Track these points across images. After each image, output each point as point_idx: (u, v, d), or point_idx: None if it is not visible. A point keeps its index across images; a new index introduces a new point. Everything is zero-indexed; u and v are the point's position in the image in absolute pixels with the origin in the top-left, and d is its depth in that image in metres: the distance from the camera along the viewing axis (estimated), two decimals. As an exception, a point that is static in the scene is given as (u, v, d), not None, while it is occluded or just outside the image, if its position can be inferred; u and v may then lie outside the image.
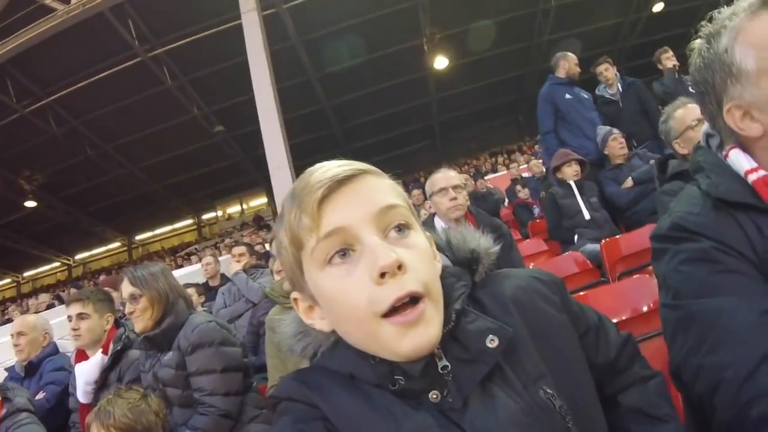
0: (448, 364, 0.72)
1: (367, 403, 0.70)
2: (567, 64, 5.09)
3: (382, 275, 0.66)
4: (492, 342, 0.72)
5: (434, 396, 0.70)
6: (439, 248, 0.86)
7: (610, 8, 17.49)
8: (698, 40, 1.03)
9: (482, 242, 0.87)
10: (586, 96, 5.11)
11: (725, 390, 0.83)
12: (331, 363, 0.76)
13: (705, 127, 1.13)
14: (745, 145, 0.99)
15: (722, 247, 0.91)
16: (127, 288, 2.35)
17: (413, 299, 0.67)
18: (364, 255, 0.68)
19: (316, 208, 0.69)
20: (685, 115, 2.51)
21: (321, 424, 0.70)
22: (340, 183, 0.70)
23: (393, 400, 0.70)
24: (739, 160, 0.99)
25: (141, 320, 2.34)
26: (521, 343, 0.76)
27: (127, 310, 2.34)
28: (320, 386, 0.73)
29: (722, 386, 0.83)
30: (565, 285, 0.90)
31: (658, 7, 17.67)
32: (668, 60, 5.54)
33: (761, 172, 0.95)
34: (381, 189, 0.74)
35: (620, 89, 5.37)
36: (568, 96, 4.95)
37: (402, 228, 0.72)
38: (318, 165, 0.75)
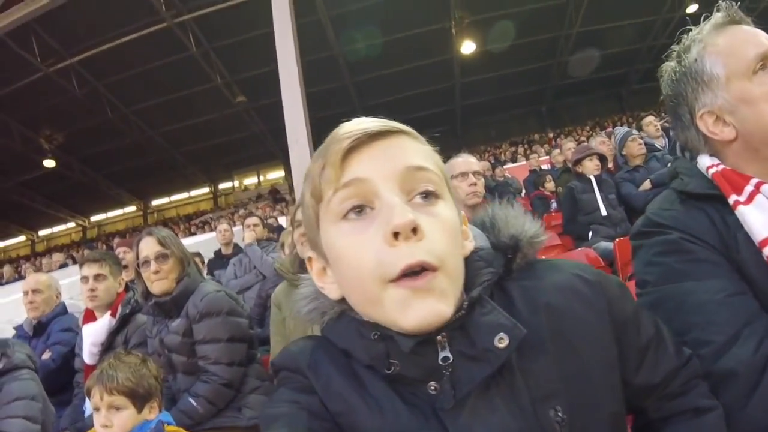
0: (450, 356, 0.64)
1: (358, 389, 0.67)
2: None
3: (396, 236, 0.60)
4: (501, 341, 0.63)
5: (433, 389, 0.64)
6: (483, 228, 0.81)
7: (642, 5, 17.06)
8: (668, 63, 1.11)
9: (528, 228, 0.77)
10: None
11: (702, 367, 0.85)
12: (332, 335, 0.73)
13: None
14: (718, 152, 1.05)
15: (689, 237, 0.96)
16: (153, 247, 2.32)
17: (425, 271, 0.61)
18: (381, 213, 0.62)
19: (339, 159, 0.64)
20: None
21: (317, 398, 0.68)
22: (371, 137, 0.65)
23: (384, 388, 0.66)
24: (703, 160, 1.05)
25: (165, 282, 2.31)
26: (541, 350, 0.67)
27: (151, 269, 2.29)
28: (315, 362, 0.70)
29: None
30: (623, 288, 0.79)
31: (692, 8, 17.20)
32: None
33: (720, 166, 1.01)
34: (414, 151, 0.68)
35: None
36: None
37: (429, 195, 0.66)
38: (354, 119, 0.70)
